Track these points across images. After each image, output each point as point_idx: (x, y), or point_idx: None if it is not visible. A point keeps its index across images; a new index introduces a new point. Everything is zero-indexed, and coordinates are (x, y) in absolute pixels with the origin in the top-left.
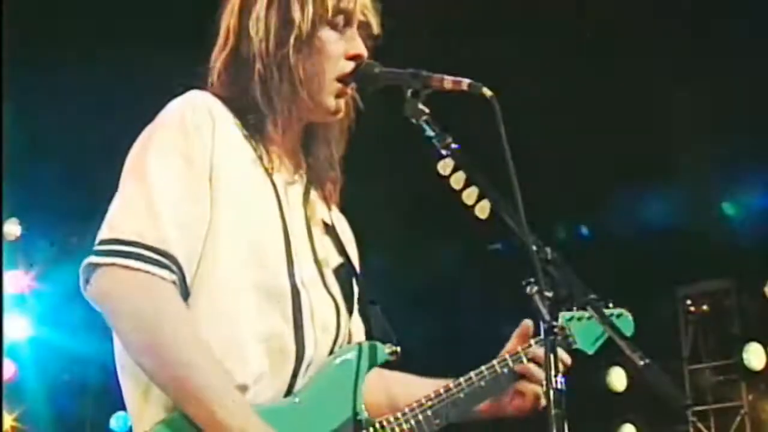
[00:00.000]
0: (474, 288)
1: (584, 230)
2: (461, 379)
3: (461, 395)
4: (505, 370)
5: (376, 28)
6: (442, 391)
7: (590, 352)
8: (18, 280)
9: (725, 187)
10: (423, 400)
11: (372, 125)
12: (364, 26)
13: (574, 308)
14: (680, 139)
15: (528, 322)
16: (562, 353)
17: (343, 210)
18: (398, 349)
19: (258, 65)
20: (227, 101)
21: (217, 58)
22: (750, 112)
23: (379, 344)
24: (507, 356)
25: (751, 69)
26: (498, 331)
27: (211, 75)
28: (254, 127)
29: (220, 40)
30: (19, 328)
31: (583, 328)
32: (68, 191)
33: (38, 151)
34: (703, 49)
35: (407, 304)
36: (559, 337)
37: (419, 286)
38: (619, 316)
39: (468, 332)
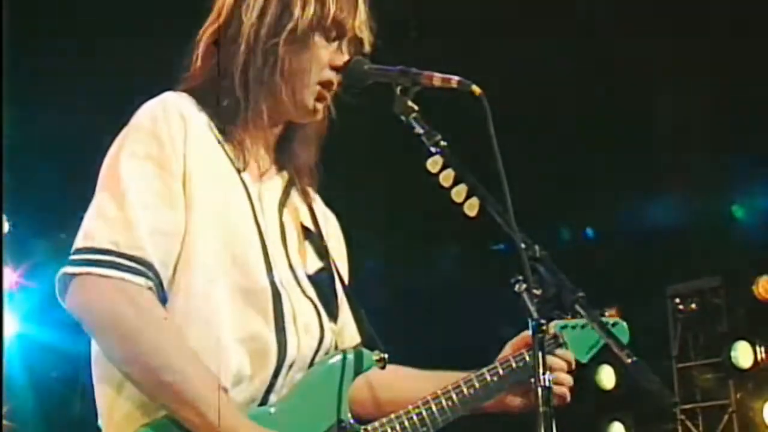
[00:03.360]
0: (475, 288)
1: (592, 233)
2: (449, 387)
3: (449, 403)
4: (495, 378)
5: (366, 47)
6: (429, 398)
7: (584, 360)
8: (5, 277)
9: (716, 188)
10: (410, 407)
11: (371, 125)
12: (355, 42)
13: (568, 315)
14: (672, 140)
15: (527, 334)
16: (564, 352)
17: (342, 210)
18: (385, 356)
19: (243, 47)
20: (201, 93)
21: (205, 32)
22: (745, 112)
23: (366, 351)
24: (498, 364)
25: (747, 69)
26: (498, 332)
27: (196, 49)
28: (229, 114)
29: (212, 16)
30: (6, 324)
31: (577, 337)
32: (57, 187)
33: (26, 146)
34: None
35: (407, 304)
36: (553, 345)
37: (419, 285)
38: (614, 324)
39: (468, 332)
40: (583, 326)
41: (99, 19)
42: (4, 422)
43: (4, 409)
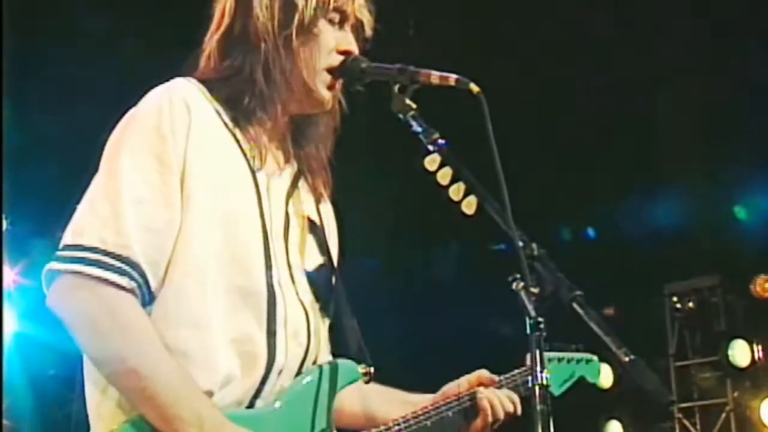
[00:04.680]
0: (475, 288)
1: (590, 232)
2: (429, 406)
3: (428, 423)
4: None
5: (368, 30)
6: (410, 416)
7: (556, 393)
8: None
9: (715, 187)
10: (391, 424)
11: (372, 124)
12: (357, 27)
13: (546, 348)
14: (672, 140)
15: (485, 375)
16: (513, 397)
17: (343, 210)
18: (371, 369)
19: (262, 44)
20: (214, 85)
21: (211, 39)
22: (740, 113)
23: (352, 364)
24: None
25: (744, 71)
26: (498, 331)
27: (202, 56)
28: (246, 110)
29: (215, 22)
30: (3, 323)
31: (553, 370)
32: (54, 185)
33: (24, 144)
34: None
35: (407, 304)
36: (528, 378)
37: (419, 285)
38: (588, 361)
39: (468, 332)
40: (559, 360)
41: (99, 20)
42: (4, 422)
43: (2, 407)
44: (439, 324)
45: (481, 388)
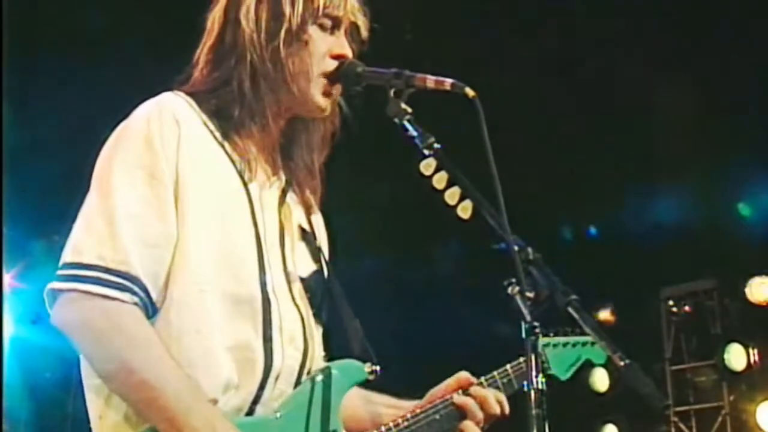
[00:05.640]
0: (474, 287)
1: (592, 230)
2: (427, 405)
3: (431, 419)
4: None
5: (364, 32)
6: (408, 415)
7: (563, 378)
8: None
9: (711, 191)
10: (399, 420)
11: (371, 124)
12: (352, 29)
13: (551, 334)
14: (670, 143)
15: (463, 378)
16: (500, 397)
17: (343, 210)
18: (377, 368)
19: (249, 56)
20: (203, 97)
21: (202, 50)
22: (739, 113)
23: (358, 363)
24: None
25: (744, 69)
26: (497, 331)
27: (195, 66)
28: (235, 122)
29: (206, 33)
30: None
31: (558, 355)
32: (51, 189)
33: (21, 146)
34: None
35: (406, 303)
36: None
37: (419, 285)
38: (593, 344)
39: (467, 331)
40: (564, 345)
41: (99, 21)
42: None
43: None
44: (438, 324)
45: (455, 394)
